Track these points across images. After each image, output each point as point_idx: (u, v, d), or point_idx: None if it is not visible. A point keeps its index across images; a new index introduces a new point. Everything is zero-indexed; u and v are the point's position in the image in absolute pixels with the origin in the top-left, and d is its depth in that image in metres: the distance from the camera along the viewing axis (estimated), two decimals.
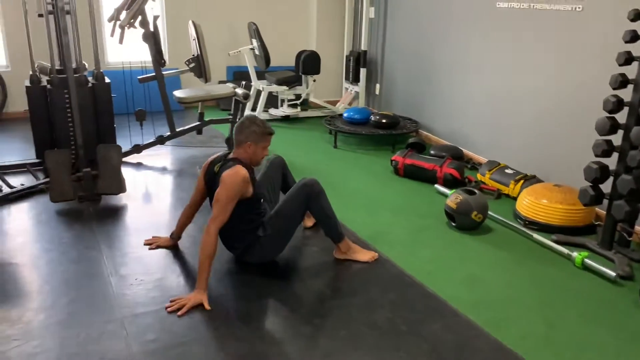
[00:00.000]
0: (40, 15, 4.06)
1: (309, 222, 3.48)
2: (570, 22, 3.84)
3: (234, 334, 2.39)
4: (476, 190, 3.57)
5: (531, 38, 4.19)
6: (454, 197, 3.53)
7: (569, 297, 2.78)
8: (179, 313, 2.50)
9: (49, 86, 4.10)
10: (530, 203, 3.57)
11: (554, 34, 3.99)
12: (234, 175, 2.65)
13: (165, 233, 3.33)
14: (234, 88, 4.92)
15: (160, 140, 4.83)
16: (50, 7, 3.88)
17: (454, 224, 3.54)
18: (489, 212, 3.59)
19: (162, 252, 3.10)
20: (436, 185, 4.21)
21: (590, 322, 2.57)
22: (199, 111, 5.07)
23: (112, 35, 4.49)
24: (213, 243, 2.60)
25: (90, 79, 4.32)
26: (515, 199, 3.91)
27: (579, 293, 2.81)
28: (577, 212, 3.45)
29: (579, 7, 3.75)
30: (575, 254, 3.09)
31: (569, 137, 3.93)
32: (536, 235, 3.37)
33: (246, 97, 4.82)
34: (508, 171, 4.17)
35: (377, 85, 6.43)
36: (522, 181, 4.00)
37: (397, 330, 2.44)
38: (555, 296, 2.78)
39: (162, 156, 4.88)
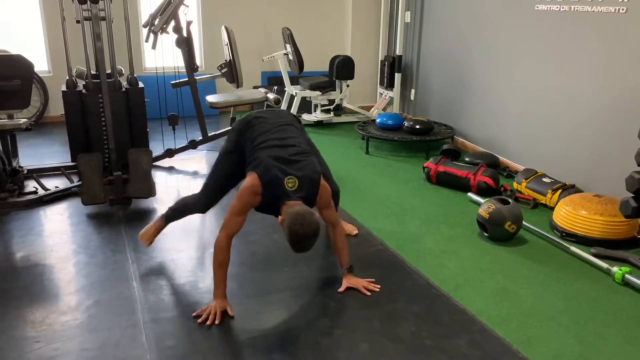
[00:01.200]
0: (78, 22, 4.15)
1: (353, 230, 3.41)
2: (613, 25, 3.67)
3: (253, 344, 2.35)
4: (510, 200, 3.43)
5: (572, 41, 4.02)
6: (486, 207, 3.40)
7: (608, 314, 2.62)
8: (209, 322, 2.45)
9: (84, 91, 4.19)
10: (568, 214, 3.41)
11: (596, 37, 3.81)
12: (245, 184, 2.52)
13: (193, 238, 3.34)
14: (266, 93, 4.92)
15: (193, 145, 4.87)
16: (86, 14, 3.97)
17: (486, 235, 3.41)
18: (524, 223, 3.45)
19: (188, 259, 3.09)
20: (469, 194, 4.08)
21: (630, 342, 2.41)
22: (230, 116, 5.08)
23: (146, 40, 4.56)
24: (222, 251, 2.49)
25: (124, 83, 4.38)
26: (552, 209, 3.75)
27: (618, 311, 2.65)
28: (618, 224, 3.27)
29: (622, 9, 3.57)
30: (615, 269, 2.92)
31: (611, 145, 3.74)
32: (573, 248, 3.21)
33: (277, 101, 4.81)
34: (545, 180, 4.01)
35: (412, 91, 6.32)
36: (560, 191, 3.83)
37: (421, 344, 2.35)
38: (592, 313, 2.63)
39: (194, 160, 4.92)
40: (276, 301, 2.68)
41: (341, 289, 2.73)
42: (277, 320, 2.53)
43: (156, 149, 4.64)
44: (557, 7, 4.11)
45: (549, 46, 4.25)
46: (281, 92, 6.00)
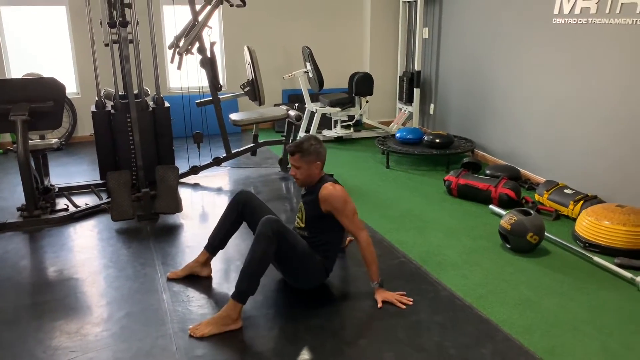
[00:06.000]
0: (107, 45, 4.31)
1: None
2: (631, 36, 3.69)
3: (280, 354, 2.40)
4: (532, 211, 3.45)
5: (590, 54, 4.05)
6: (508, 218, 3.42)
7: (632, 324, 2.62)
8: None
9: (112, 111, 4.34)
10: (591, 224, 3.42)
11: (614, 49, 3.84)
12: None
13: (219, 252, 3.42)
14: (287, 110, 5.02)
15: (217, 162, 4.98)
16: (115, 37, 4.13)
17: (508, 246, 3.43)
18: (546, 234, 3.46)
19: (214, 271, 3.17)
20: (490, 206, 4.10)
21: None
22: (253, 133, 5.19)
23: (171, 61, 4.71)
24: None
25: (151, 103, 4.53)
26: (574, 220, 3.75)
27: None
28: None
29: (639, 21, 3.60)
30: (639, 279, 2.91)
31: (632, 155, 3.74)
32: (597, 258, 3.21)
33: (299, 118, 4.90)
34: (567, 191, 4.01)
35: (432, 105, 6.37)
36: (582, 202, 3.83)
37: (445, 354, 2.38)
38: (617, 324, 2.63)
39: (218, 177, 5.02)
40: (301, 312, 2.73)
41: (379, 305, 2.76)
42: (302, 330, 2.58)
43: (182, 166, 4.75)
44: (574, 20, 4.15)
45: (567, 59, 4.28)
46: (302, 109, 6.11)
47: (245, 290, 2.56)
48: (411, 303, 2.78)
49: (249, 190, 3.17)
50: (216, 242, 3.05)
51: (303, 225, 2.87)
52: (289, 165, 5.17)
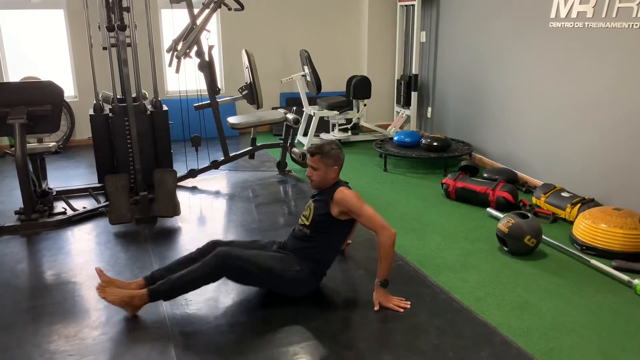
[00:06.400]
0: (105, 49, 4.32)
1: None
2: (628, 40, 3.71)
3: (277, 355, 2.40)
4: (529, 214, 3.46)
5: (587, 57, 4.07)
6: (506, 221, 3.43)
7: (630, 326, 2.63)
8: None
9: (110, 114, 4.34)
10: (588, 227, 3.43)
11: (611, 53, 3.86)
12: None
13: None
14: (285, 113, 5.03)
15: (215, 165, 4.98)
16: (113, 41, 4.14)
17: (506, 249, 3.44)
18: (544, 237, 3.47)
19: None
20: (488, 209, 4.11)
21: None
22: (251, 136, 5.20)
23: (169, 65, 4.71)
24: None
25: (149, 107, 4.53)
26: (571, 223, 3.76)
27: None
28: (638, 237, 3.27)
29: (636, 25, 3.62)
30: (636, 282, 2.93)
31: (629, 158, 3.76)
32: (594, 261, 3.22)
33: (297, 122, 4.91)
34: (564, 194, 4.03)
35: (429, 109, 6.39)
36: (579, 205, 3.85)
37: (443, 356, 2.39)
38: (614, 326, 2.64)
39: (216, 180, 5.03)
40: (300, 314, 2.74)
41: (375, 308, 2.76)
42: (301, 333, 2.58)
43: (180, 169, 4.75)
44: (571, 24, 4.17)
45: (564, 62, 4.30)
46: (300, 112, 6.11)
47: (162, 293, 2.68)
48: (409, 306, 2.79)
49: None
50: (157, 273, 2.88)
51: (307, 223, 2.88)
52: (288, 169, 5.19)
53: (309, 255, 2.85)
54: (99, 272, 2.78)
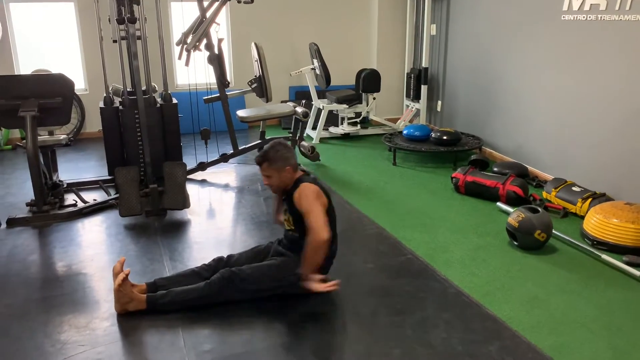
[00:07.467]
0: (115, 41, 4.33)
1: None
2: None
3: (287, 349, 2.41)
4: (539, 208, 3.44)
5: (600, 50, 4.03)
6: (516, 215, 3.42)
7: None
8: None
9: (120, 107, 4.35)
10: (599, 222, 3.40)
11: (623, 46, 3.81)
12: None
13: (226, 248, 3.44)
14: (294, 107, 5.03)
15: (224, 158, 4.99)
16: (123, 34, 4.15)
17: (515, 243, 3.42)
18: (554, 231, 3.45)
19: None
20: (498, 203, 4.09)
21: None
22: (260, 130, 5.20)
23: (179, 58, 4.72)
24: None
25: (159, 100, 4.54)
26: (582, 218, 3.74)
27: None
28: None
29: None
30: None
31: None
32: (605, 256, 3.20)
33: (306, 115, 4.91)
34: (575, 189, 4.00)
35: (439, 102, 6.36)
36: (590, 199, 3.82)
37: (452, 350, 2.38)
38: (624, 321, 2.62)
39: (226, 173, 5.03)
40: (309, 307, 2.74)
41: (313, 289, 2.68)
42: (310, 327, 2.58)
43: (189, 162, 4.76)
44: (583, 17, 4.13)
45: (576, 55, 4.26)
46: (309, 106, 6.11)
47: (159, 305, 2.66)
48: (336, 287, 2.68)
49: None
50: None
51: (292, 227, 2.85)
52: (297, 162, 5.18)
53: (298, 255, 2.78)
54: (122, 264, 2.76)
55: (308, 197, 2.70)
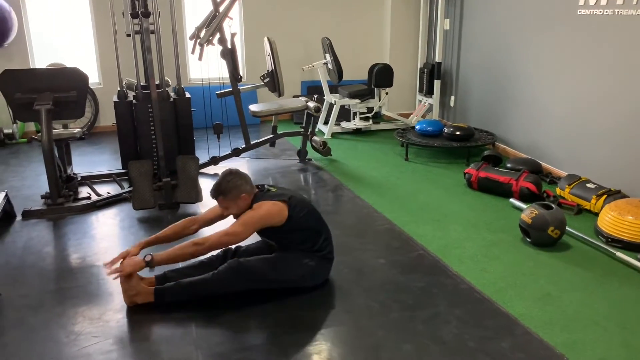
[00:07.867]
0: (128, 36, 4.35)
1: None
2: None
3: (297, 342, 2.42)
4: (553, 205, 3.41)
5: (616, 45, 3.97)
6: (529, 212, 3.39)
7: None
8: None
9: (134, 101, 4.38)
10: (614, 219, 3.37)
11: None
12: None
13: None
14: (306, 102, 5.02)
15: (236, 153, 5.01)
16: (137, 28, 4.16)
17: (529, 240, 3.40)
18: (567, 228, 3.42)
19: None
20: (511, 200, 4.06)
21: None
22: (272, 124, 5.21)
23: (192, 52, 4.74)
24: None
25: (172, 94, 4.56)
26: (596, 215, 3.70)
27: None
28: None
29: None
30: None
31: None
32: (619, 254, 3.17)
33: (317, 110, 4.90)
34: (589, 185, 3.96)
35: (452, 97, 6.32)
36: (605, 196, 3.78)
37: (464, 346, 2.38)
38: (638, 320, 2.59)
39: (238, 168, 5.03)
40: (319, 302, 2.75)
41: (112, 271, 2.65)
42: (320, 321, 2.59)
43: (202, 156, 4.79)
44: (600, 11, 4.07)
45: (591, 51, 4.21)
46: (321, 100, 6.10)
47: (168, 296, 2.69)
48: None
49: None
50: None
51: (274, 244, 2.87)
52: (308, 157, 5.19)
53: (298, 251, 2.81)
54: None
55: (250, 213, 2.70)
